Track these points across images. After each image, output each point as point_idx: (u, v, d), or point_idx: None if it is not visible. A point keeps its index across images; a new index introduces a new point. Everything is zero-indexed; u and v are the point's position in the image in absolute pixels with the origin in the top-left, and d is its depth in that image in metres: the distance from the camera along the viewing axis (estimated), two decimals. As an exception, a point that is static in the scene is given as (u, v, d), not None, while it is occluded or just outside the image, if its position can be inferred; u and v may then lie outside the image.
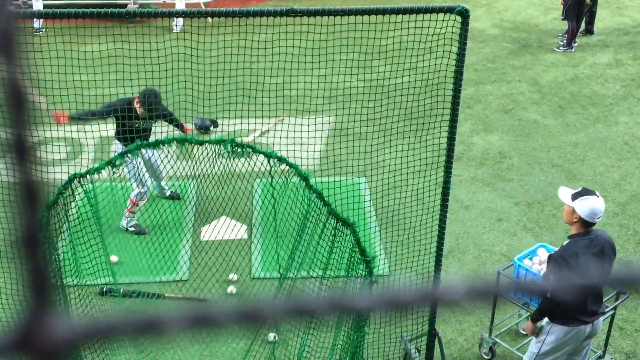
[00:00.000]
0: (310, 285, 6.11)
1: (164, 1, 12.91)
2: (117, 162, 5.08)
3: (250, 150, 4.95)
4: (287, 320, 0.64)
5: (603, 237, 5.03)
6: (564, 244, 5.01)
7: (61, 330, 0.59)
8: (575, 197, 4.98)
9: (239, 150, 4.91)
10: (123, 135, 6.92)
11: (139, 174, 7.28)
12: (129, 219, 7.45)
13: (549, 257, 5.05)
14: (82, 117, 6.80)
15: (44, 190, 0.62)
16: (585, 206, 4.91)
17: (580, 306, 4.98)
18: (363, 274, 5.10)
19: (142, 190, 7.29)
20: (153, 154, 7.33)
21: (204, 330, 0.64)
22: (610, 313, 5.78)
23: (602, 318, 5.26)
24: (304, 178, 4.95)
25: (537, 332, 5.21)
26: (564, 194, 5.10)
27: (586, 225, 4.94)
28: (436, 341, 5.75)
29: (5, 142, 0.58)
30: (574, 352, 5.24)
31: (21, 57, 0.59)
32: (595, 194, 4.97)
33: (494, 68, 11.61)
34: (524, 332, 5.93)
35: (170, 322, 0.64)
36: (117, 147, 7.16)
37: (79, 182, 4.95)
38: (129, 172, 7.31)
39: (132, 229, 7.42)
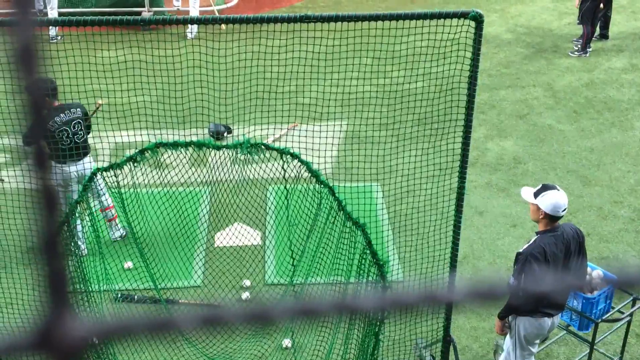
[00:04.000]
0: (322, 290, 6.11)
1: (178, 8, 12.98)
2: (138, 159, 5.14)
3: (264, 147, 4.97)
4: (294, 322, 0.65)
5: (569, 230, 5.12)
6: (532, 241, 5.09)
7: (79, 329, 0.61)
8: (537, 194, 5.08)
9: (253, 149, 4.92)
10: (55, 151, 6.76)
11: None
12: (117, 226, 7.47)
13: (518, 255, 5.14)
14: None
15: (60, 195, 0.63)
16: (547, 201, 5.01)
17: (547, 301, 5.09)
18: (375, 278, 5.09)
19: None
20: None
21: (215, 329, 0.65)
22: (627, 320, 5.73)
23: (560, 315, 5.40)
24: (316, 175, 4.95)
25: (506, 330, 5.31)
26: (526, 193, 5.21)
27: (552, 220, 5.04)
28: (451, 348, 5.72)
29: (24, 149, 0.59)
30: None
31: (40, 67, 0.60)
32: (556, 188, 5.08)
33: (508, 73, 11.57)
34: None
35: (183, 322, 0.66)
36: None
37: (102, 176, 5.02)
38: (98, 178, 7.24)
39: (123, 233, 7.45)
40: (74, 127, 6.91)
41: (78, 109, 6.96)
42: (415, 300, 0.70)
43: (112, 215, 7.37)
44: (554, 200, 4.98)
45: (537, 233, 5.11)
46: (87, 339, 0.61)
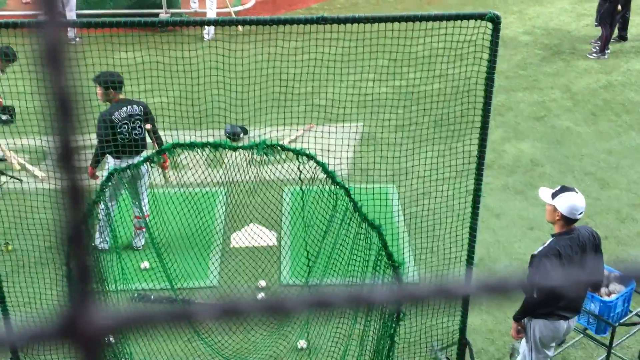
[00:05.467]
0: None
1: (195, 10, 13.04)
2: (155, 159, 5.16)
3: (280, 148, 4.99)
4: (310, 314, 0.67)
5: (585, 233, 5.06)
6: (547, 243, 5.05)
7: (102, 319, 0.64)
8: (554, 195, 5.03)
9: (270, 150, 4.94)
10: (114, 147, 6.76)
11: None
12: (141, 237, 7.47)
13: (532, 257, 5.10)
14: (99, 159, 6.93)
15: (86, 191, 0.66)
16: (564, 203, 4.96)
17: (562, 303, 5.06)
18: (390, 280, 5.08)
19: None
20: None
21: (232, 320, 0.68)
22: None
23: (576, 318, 5.35)
24: (331, 176, 4.96)
25: (521, 333, 5.28)
26: (544, 193, 5.16)
27: (568, 222, 4.99)
28: (467, 350, 5.70)
29: (52, 145, 0.62)
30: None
31: (68, 67, 0.62)
32: (575, 191, 5.01)
33: (526, 75, 11.51)
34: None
35: (201, 313, 0.68)
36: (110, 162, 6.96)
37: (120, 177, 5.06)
38: (145, 181, 7.22)
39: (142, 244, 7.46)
40: (133, 123, 6.92)
41: (140, 106, 6.97)
42: (429, 294, 0.72)
43: (142, 224, 7.33)
44: (572, 202, 4.95)
45: (552, 235, 5.08)
46: (110, 329, 0.64)
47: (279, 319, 0.65)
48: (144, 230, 7.31)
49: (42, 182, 6.90)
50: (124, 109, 6.85)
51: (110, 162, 6.95)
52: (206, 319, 0.68)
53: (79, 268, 0.65)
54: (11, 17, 12.08)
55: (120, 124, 6.82)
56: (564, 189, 5.06)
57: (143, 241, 7.43)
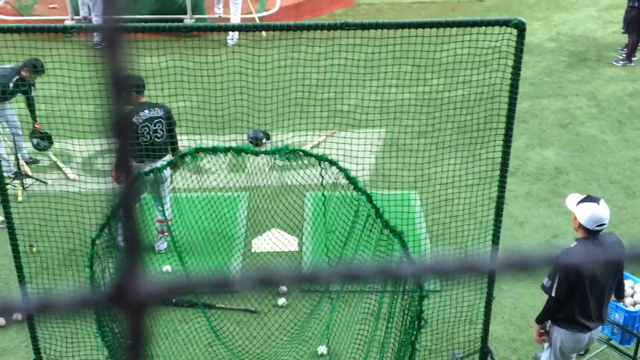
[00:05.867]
0: (358, 298, 6.08)
1: (219, 16, 13.13)
2: (178, 163, 5.19)
3: (302, 153, 4.99)
4: (339, 285, 0.72)
5: (610, 241, 4.97)
6: (568, 248, 4.99)
7: (149, 286, 0.71)
8: (578, 203, 4.99)
9: (292, 155, 4.94)
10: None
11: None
12: (163, 240, 7.50)
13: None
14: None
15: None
16: (584, 213, 4.91)
17: (583, 310, 5.00)
18: (412, 287, 5.05)
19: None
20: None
21: (266, 289, 0.76)
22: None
23: (599, 328, 5.27)
24: (353, 182, 4.95)
25: (543, 337, 5.23)
26: (571, 199, 5.12)
27: (588, 232, 4.91)
28: (489, 359, 5.65)
29: (105, 122, 0.71)
30: None
31: (124, 51, 0.70)
32: (598, 202, 4.93)
33: (551, 82, 11.41)
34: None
35: (239, 281, 0.76)
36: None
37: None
38: (168, 185, 7.23)
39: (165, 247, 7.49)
40: (154, 125, 6.95)
41: (161, 109, 7.00)
42: (453, 269, 0.75)
43: (165, 228, 7.36)
44: (591, 212, 4.88)
45: (576, 240, 5.04)
46: (156, 296, 0.71)
47: (313, 288, 0.70)
48: (166, 233, 7.35)
49: (67, 185, 6.98)
50: (146, 111, 6.89)
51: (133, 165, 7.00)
52: (244, 287, 0.74)
53: (128, 239, 0.71)
54: (39, 21, 12.26)
55: (141, 126, 6.86)
56: (588, 199, 5.02)
57: (165, 244, 7.47)
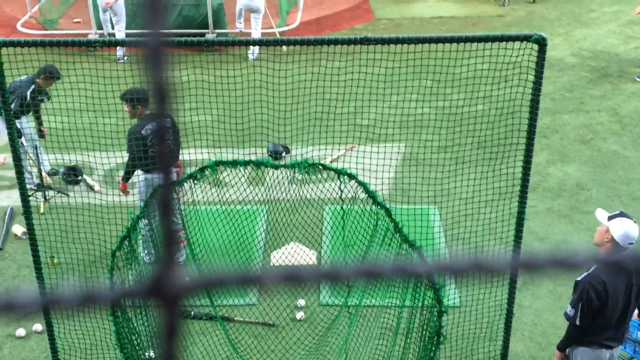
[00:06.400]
0: (377, 313, 6.05)
1: (240, 30, 13.23)
2: (198, 176, 5.22)
3: (321, 167, 5.00)
4: (360, 282, 0.78)
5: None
6: (592, 269, 4.79)
7: (183, 280, 0.76)
8: (611, 217, 4.94)
9: (311, 169, 4.95)
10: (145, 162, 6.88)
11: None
12: (182, 251, 7.51)
13: (577, 283, 4.99)
14: (130, 175, 7.10)
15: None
16: (620, 228, 4.84)
17: (605, 330, 4.93)
18: (431, 302, 5.02)
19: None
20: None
21: (293, 285, 0.79)
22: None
23: (621, 347, 5.20)
24: (373, 196, 4.94)
25: None
26: (601, 213, 5.06)
27: (616, 248, 4.86)
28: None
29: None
30: None
31: (166, 65, 0.77)
32: (631, 219, 4.86)
33: (572, 97, 11.34)
34: None
35: (268, 277, 0.80)
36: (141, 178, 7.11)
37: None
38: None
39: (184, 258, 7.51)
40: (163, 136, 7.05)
41: (168, 119, 7.08)
42: (465, 268, 0.81)
43: (180, 239, 7.38)
44: (627, 228, 4.82)
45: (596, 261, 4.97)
46: (190, 290, 0.76)
47: (336, 284, 0.69)
48: (184, 244, 7.37)
49: (88, 197, 7.04)
50: (154, 123, 6.97)
51: (141, 177, 7.07)
52: (272, 283, 0.78)
53: (165, 235, 0.76)
54: (63, 35, 12.43)
55: (150, 137, 6.94)
56: (622, 214, 4.98)
57: (184, 256, 7.48)
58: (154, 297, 0.75)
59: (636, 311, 5.50)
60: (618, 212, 5.04)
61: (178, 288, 0.75)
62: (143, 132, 6.88)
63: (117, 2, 12.33)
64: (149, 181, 7.03)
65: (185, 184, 6.13)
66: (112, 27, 12.94)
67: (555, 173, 9.23)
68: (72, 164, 8.66)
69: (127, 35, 12.84)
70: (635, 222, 4.89)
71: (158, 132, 0.84)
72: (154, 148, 6.94)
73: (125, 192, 7.13)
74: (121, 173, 7.37)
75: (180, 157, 8.06)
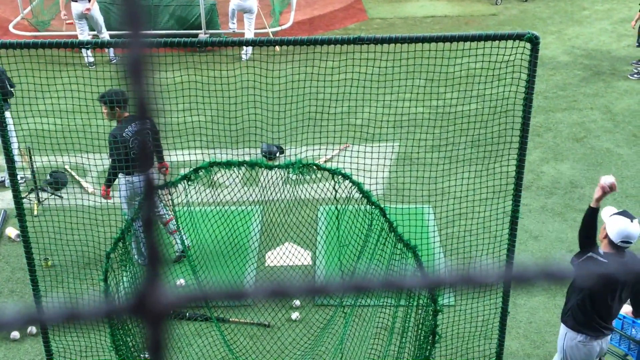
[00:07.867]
0: (372, 312, 6.06)
1: (233, 31, 13.22)
2: (192, 177, 5.21)
3: (316, 167, 5.00)
4: (348, 296, 0.76)
5: (632, 263, 4.92)
6: (589, 254, 4.92)
7: (167, 296, 0.75)
8: (612, 215, 4.97)
9: (305, 169, 4.95)
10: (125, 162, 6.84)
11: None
12: (177, 241, 7.49)
13: (572, 259, 5.05)
14: (112, 178, 7.07)
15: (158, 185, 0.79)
16: (614, 225, 4.89)
17: (590, 318, 4.99)
18: (426, 301, 5.03)
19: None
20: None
21: (279, 299, 0.78)
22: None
23: (609, 338, 5.23)
24: (367, 196, 4.95)
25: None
26: (607, 211, 5.09)
27: (612, 246, 4.86)
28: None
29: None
30: None
31: (147, 78, 0.76)
32: (631, 219, 4.88)
33: (565, 96, 11.37)
34: None
35: (253, 292, 0.78)
36: (122, 181, 7.06)
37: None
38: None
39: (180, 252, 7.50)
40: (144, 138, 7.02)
41: (147, 120, 7.06)
42: (454, 281, 0.80)
43: (172, 229, 7.39)
44: (621, 227, 4.85)
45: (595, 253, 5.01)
46: (174, 306, 0.75)
47: (325, 302, 0.74)
48: (175, 234, 7.37)
49: (82, 199, 7.03)
50: (133, 125, 6.95)
51: (122, 180, 7.03)
52: (257, 298, 0.77)
53: (149, 251, 0.75)
54: (55, 37, 12.39)
55: (131, 140, 6.92)
56: (623, 213, 5.00)
57: (180, 250, 7.47)
58: (139, 315, 0.74)
59: (630, 308, 5.53)
60: (622, 210, 5.08)
61: (162, 305, 0.75)
62: (124, 134, 6.85)
63: (94, 7, 12.29)
64: (130, 183, 7.00)
65: (179, 185, 6.12)
66: (100, 32, 12.85)
67: (548, 171, 9.25)
68: (58, 170, 8.60)
69: (118, 36, 12.79)
70: (634, 222, 4.89)
71: (139, 134, 0.84)
72: (135, 150, 6.96)
73: (107, 197, 7.09)
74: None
75: (174, 158, 8.05)
